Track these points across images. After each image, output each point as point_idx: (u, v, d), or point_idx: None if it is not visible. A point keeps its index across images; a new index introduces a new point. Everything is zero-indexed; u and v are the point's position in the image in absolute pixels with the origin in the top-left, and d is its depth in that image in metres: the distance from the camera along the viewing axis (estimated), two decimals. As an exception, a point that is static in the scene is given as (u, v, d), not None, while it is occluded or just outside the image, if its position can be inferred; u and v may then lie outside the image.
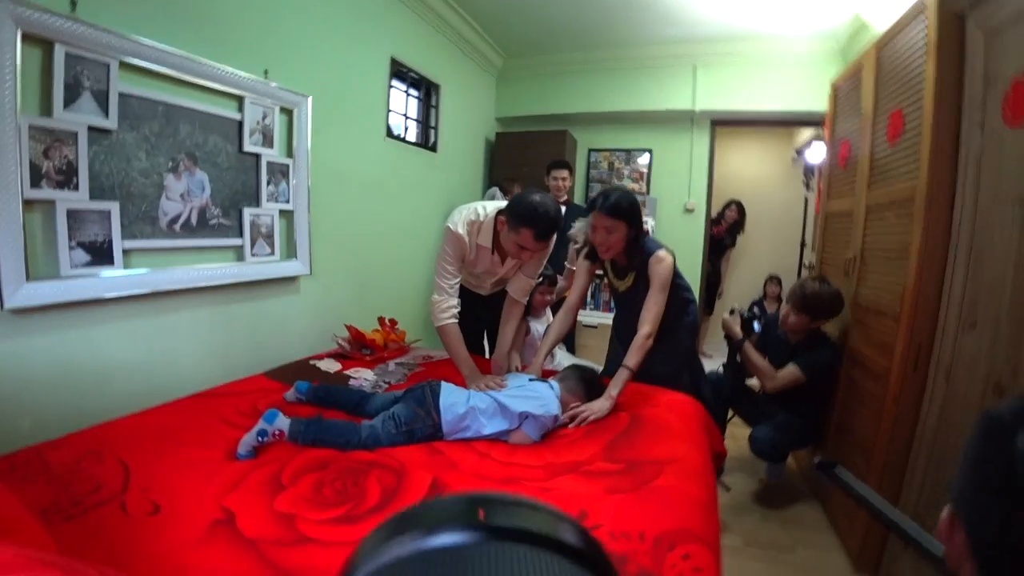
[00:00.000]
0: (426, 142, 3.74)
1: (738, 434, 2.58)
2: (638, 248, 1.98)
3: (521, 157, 4.20)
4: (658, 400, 1.84)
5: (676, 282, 2.05)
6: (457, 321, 2.00)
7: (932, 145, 1.71)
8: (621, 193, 1.93)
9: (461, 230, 1.98)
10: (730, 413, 2.56)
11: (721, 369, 2.56)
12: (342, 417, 1.70)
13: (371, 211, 3.02)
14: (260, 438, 1.48)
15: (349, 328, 2.36)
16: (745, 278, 5.67)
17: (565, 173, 3.58)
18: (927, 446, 1.70)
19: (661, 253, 1.97)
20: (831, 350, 2.26)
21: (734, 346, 2.40)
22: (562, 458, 1.49)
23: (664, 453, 1.48)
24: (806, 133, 4.99)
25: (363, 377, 2.01)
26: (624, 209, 1.89)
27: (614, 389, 1.82)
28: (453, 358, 2.01)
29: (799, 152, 5.03)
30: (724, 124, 4.39)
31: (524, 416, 1.65)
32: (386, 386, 1.95)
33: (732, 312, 2.45)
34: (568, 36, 4.05)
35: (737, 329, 2.39)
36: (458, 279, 2.03)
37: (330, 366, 2.15)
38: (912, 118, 1.85)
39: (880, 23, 2.97)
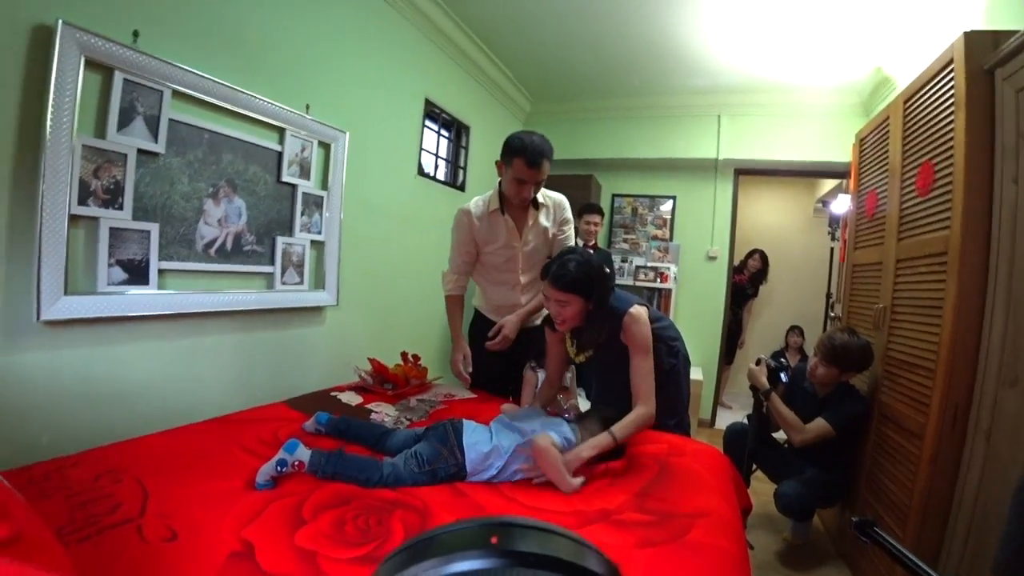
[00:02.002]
0: (455, 181, 3.81)
1: (760, 489, 2.49)
2: (601, 318, 1.73)
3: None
4: (684, 449, 1.78)
5: (655, 330, 1.80)
6: (458, 295, 2.20)
7: (965, 198, 1.70)
8: (578, 261, 1.66)
9: (468, 207, 2.11)
10: (753, 467, 2.48)
11: (745, 420, 2.50)
12: (362, 451, 1.66)
13: (399, 246, 3.07)
14: (280, 468, 1.44)
15: (372, 361, 2.35)
16: (767, 328, 5.61)
17: (597, 218, 3.63)
18: (967, 511, 1.62)
19: (634, 311, 1.72)
20: (861, 403, 2.20)
21: (760, 397, 2.35)
22: (592, 505, 1.43)
23: (695, 506, 1.42)
24: (828, 184, 5.01)
25: (384, 412, 1.98)
26: (578, 282, 1.63)
27: (587, 451, 1.57)
28: (451, 330, 2.23)
29: (824, 203, 5.04)
30: (747, 173, 4.43)
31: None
32: (408, 423, 1.92)
33: (759, 362, 2.40)
34: (595, 83, 4.17)
35: (764, 379, 2.33)
36: (468, 262, 2.16)
37: (351, 399, 2.13)
38: (943, 170, 1.85)
39: (902, 76, 3.03)
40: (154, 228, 1.82)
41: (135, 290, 1.77)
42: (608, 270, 3.64)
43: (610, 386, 1.85)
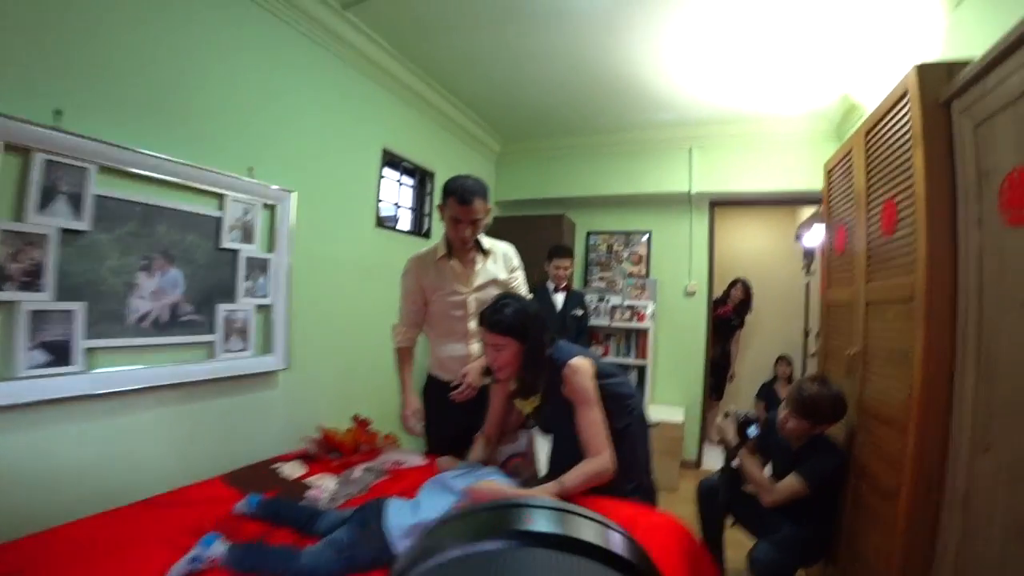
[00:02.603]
0: (420, 230, 3.74)
1: (741, 540, 2.33)
2: (540, 365, 1.72)
3: (519, 241, 4.13)
4: (637, 523, 1.63)
5: (601, 384, 1.73)
6: (408, 347, 2.19)
7: (928, 241, 1.61)
8: (513, 306, 1.69)
9: (416, 255, 2.18)
10: (730, 520, 2.34)
11: (718, 475, 2.36)
12: (290, 536, 1.58)
13: (358, 302, 2.98)
14: (194, 564, 1.36)
15: (319, 429, 2.25)
16: (756, 359, 5.46)
17: (567, 262, 3.56)
18: (947, 582, 1.49)
19: (574, 362, 1.68)
20: (836, 457, 2.07)
21: (729, 453, 2.22)
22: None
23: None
24: (808, 210, 4.93)
25: (323, 486, 1.87)
26: (513, 326, 1.65)
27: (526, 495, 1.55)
28: (400, 382, 2.19)
29: (798, 236, 4.95)
30: (722, 204, 4.36)
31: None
32: (344, 499, 1.81)
33: (727, 415, 2.28)
34: (564, 121, 4.13)
35: (731, 435, 2.20)
36: (417, 312, 2.16)
37: (293, 470, 2.03)
38: (905, 209, 1.76)
39: (868, 102, 2.97)
40: (79, 307, 1.75)
41: (59, 371, 1.69)
42: (581, 311, 3.58)
43: (564, 453, 1.74)
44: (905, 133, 1.76)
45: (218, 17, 2.15)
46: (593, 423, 1.65)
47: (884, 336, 1.90)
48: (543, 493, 1.55)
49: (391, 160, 3.33)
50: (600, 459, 1.62)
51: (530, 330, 1.68)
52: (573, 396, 1.67)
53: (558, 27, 2.73)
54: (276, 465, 2.10)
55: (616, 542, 0.28)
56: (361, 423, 2.33)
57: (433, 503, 1.58)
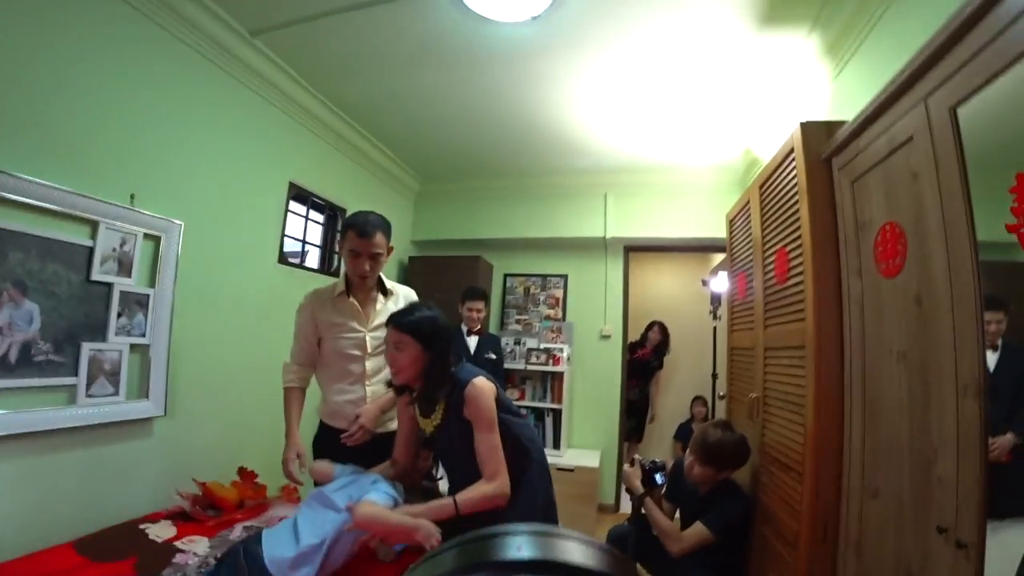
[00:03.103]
0: (328, 267, 3.58)
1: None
2: (440, 377, 1.67)
3: (435, 281, 4.09)
4: None
5: (503, 417, 1.68)
6: (298, 387, 2.05)
7: (816, 291, 1.68)
8: (424, 312, 1.68)
9: (312, 291, 2.10)
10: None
11: (628, 523, 2.32)
12: None
13: (253, 343, 2.75)
14: None
15: (197, 483, 2.02)
16: (675, 398, 5.58)
17: (480, 304, 3.50)
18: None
19: (478, 381, 1.64)
20: (742, 503, 2.08)
21: (636, 502, 2.18)
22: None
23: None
24: (719, 256, 5.18)
25: (193, 551, 1.66)
26: (418, 327, 1.63)
27: (424, 509, 1.52)
28: (286, 424, 2.00)
29: (704, 282, 5.16)
30: (637, 250, 4.48)
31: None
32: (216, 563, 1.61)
33: (632, 463, 2.25)
34: (483, 163, 4.14)
35: (637, 483, 2.17)
36: (309, 352, 2.05)
37: (162, 531, 1.79)
38: (795, 258, 1.84)
39: (767, 157, 3.16)
40: (-102, 344, 1.48)
41: None
42: (494, 356, 3.51)
43: (462, 481, 1.65)
44: (793, 186, 1.86)
45: (101, 31, 1.97)
46: (491, 446, 1.60)
47: (781, 381, 1.95)
48: (442, 506, 1.55)
49: (299, 194, 3.19)
50: (496, 483, 1.57)
51: (436, 338, 1.65)
52: (473, 417, 1.62)
53: (476, 72, 2.75)
54: (145, 525, 1.87)
55: (602, 559, 0.29)
56: (247, 475, 2.12)
57: (315, 525, 1.49)
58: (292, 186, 3.09)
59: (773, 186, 2.07)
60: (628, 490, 2.20)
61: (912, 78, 1.28)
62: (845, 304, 1.62)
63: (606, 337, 4.35)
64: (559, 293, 4.51)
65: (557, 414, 4.00)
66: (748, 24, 2.25)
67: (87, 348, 1.94)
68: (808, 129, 1.78)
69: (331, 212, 3.61)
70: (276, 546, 1.44)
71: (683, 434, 5.18)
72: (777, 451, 1.93)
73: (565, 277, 4.52)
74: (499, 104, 3.10)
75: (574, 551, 0.28)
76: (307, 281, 3.14)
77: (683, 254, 5.50)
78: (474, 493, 1.56)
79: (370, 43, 2.54)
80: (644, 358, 4.99)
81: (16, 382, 1.76)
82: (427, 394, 1.70)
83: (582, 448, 4.26)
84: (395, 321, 1.66)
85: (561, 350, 4.08)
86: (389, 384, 1.81)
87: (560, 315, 4.48)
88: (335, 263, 3.63)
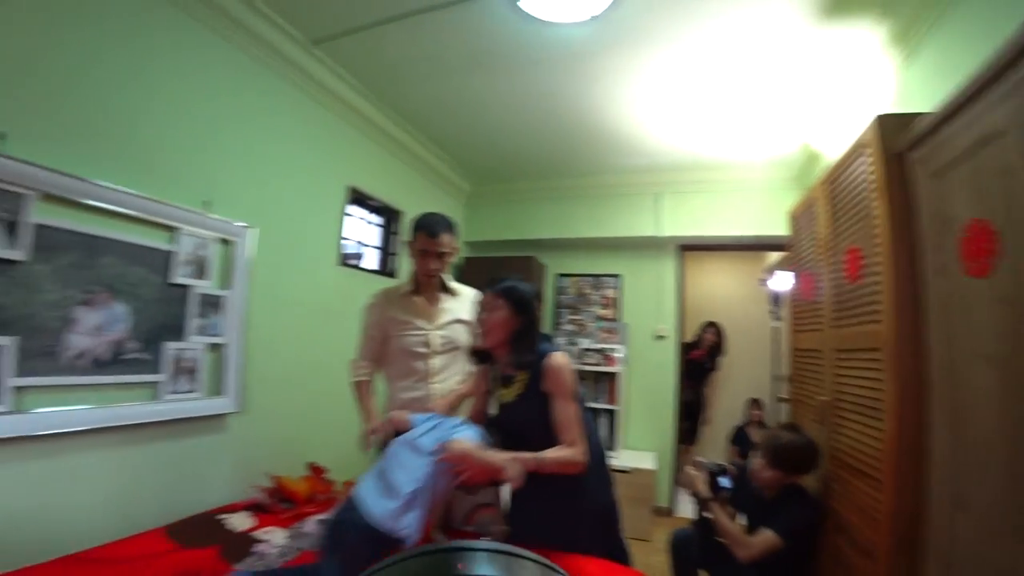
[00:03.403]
0: (385, 269, 3.66)
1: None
2: (527, 344, 1.70)
3: (487, 283, 4.12)
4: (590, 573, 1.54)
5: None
6: (368, 380, 2.07)
7: (894, 291, 1.60)
8: (518, 283, 1.74)
9: (380, 290, 2.16)
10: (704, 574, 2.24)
11: (690, 526, 2.28)
12: None
13: (317, 342, 2.85)
14: None
15: (271, 477, 2.11)
16: (729, 403, 5.44)
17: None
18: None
19: (559, 354, 1.67)
20: (811, 509, 2.01)
21: (701, 506, 2.14)
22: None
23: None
24: (776, 254, 5.02)
25: (272, 541, 1.74)
26: (511, 291, 1.70)
27: (504, 455, 1.52)
28: (361, 413, 2.04)
29: (763, 281, 5.01)
30: (691, 249, 4.40)
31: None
32: (295, 554, 1.68)
33: (696, 465, 2.21)
34: (535, 165, 4.15)
35: (701, 487, 2.13)
36: (376, 350, 2.09)
37: (241, 522, 1.88)
38: (870, 257, 1.77)
39: (829, 151, 3.05)
40: (9, 342, 1.61)
41: (-17, 413, 1.55)
42: None
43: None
44: (866, 182, 1.78)
45: (181, 49, 2.09)
46: (571, 415, 1.62)
47: (854, 385, 1.87)
48: (519, 461, 1.52)
49: (357, 198, 3.28)
50: (576, 450, 1.58)
51: (526, 305, 1.71)
52: (554, 388, 1.63)
53: (531, 74, 2.76)
54: (223, 516, 1.97)
55: None
56: (317, 471, 2.20)
57: (409, 471, 1.49)
58: (350, 190, 3.17)
59: (843, 182, 2.00)
60: (693, 494, 2.16)
61: (1004, 66, 1.21)
62: (926, 305, 1.55)
63: (661, 337, 4.29)
64: (612, 293, 4.48)
65: (612, 415, 3.97)
66: (810, 17, 2.18)
67: (169, 347, 2.06)
68: (884, 122, 1.70)
69: (387, 214, 3.69)
70: (377, 502, 1.45)
71: (738, 437, 5.04)
72: (850, 456, 1.86)
73: (618, 277, 4.49)
74: (553, 105, 3.10)
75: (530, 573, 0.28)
76: (365, 282, 3.25)
77: (737, 252, 5.38)
78: (556, 454, 1.56)
79: (426, 49, 2.59)
80: (698, 359, 4.90)
81: (109, 378, 1.89)
82: (514, 358, 1.71)
83: (637, 449, 4.22)
84: (491, 286, 1.74)
85: (615, 350, 4.06)
86: (472, 354, 1.87)
87: (613, 315, 4.44)
88: (391, 265, 3.71)
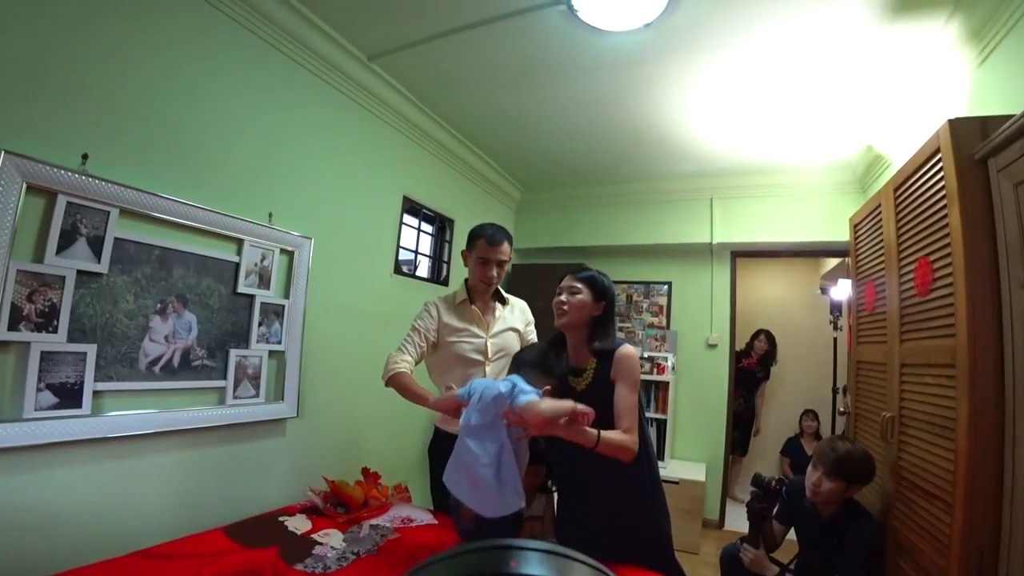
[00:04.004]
0: (438, 277, 3.72)
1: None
2: (603, 333, 1.75)
3: (538, 289, 4.13)
4: None
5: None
6: (409, 371, 1.96)
7: (969, 304, 1.52)
8: (599, 275, 1.80)
9: (435, 302, 2.13)
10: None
11: (739, 542, 2.21)
12: None
13: (372, 349, 2.88)
14: None
15: (327, 481, 2.17)
16: (781, 412, 5.28)
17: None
18: None
19: (628, 346, 1.73)
20: (874, 527, 1.92)
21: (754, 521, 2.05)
22: None
23: None
24: (832, 261, 4.84)
25: (330, 544, 1.79)
26: (595, 279, 1.77)
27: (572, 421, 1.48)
28: (413, 398, 1.90)
29: (823, 289, 4.83)
30: (744, 255, 4.29)
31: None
32: (353, 557, 1.72)
33: (756, 487, 2.13)
34: (585, 172, 4.14)
35: (767, 565, 2.02)
36: (419, 346, 2.04)
37: (299, 524, 1.94)
38: (942, 268, 1.68)
39: (895, 154, 2.92)
40: (91, 349, 1.73)
41: (66, 414, 1.66)
42: None
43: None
44: (939, 190, 1.70)
45: (241, 64, 2.19)
46: (631, 404, 1.65)
47: (922, 401, 1.79)
48: (585, 430, 1.50)
49: (411, 207, 3.35)
50: (631, 438, 1.60)
51: (605, 293, 1.77)
52: (620, 375, 1.67)
53: (581, 81, 2.76)
54: (282, 518, 2.02)
55: None
56: (372, 476, 2.25)
57: (486, 448, 1.45)
58: (405, 199, 3.25)
59: (912, 189, 1.91)
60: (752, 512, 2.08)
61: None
62: (1006, 320, 1.46)
63: (712, 346, 4.20)
64: (663, 301, 4.42)
65: (661, 424, 3.91)
66: (874, 17, 2.09)
67: (233, 354, 2.15)
68: (958, 126, 1.61)
69: (440, 223, 3.75)
70: (473, 498, 1.45)
71: (790, 449, 4.88)
72: (917, 476, 1.77)
73: (669, 284, 4.42)
74: (604, 113, 3.10)
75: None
76: (419, 290, 3.31)
77: (791, 260, 5.21)
78: (614, 435, 1.56)
79: (479, 60, 2.63)
80: (749, 368, 4.76)
81: (179, 384, 1.99)
82: (592, 344, 1.74)
83: (687, 460, 4.15)
84: (574, 274, 1.80)
85: (666, 359, 3.99)
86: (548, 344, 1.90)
87: (664, 323, 4.38)
88: (444, 272, 3.77)
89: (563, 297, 1.77)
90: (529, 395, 1.44)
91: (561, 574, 0.27)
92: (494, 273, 2.08)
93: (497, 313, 2.18)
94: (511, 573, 0.26)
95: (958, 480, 1.50)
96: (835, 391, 4.66)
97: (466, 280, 2.17)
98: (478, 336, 2.10)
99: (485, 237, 2.05)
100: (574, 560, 0.29)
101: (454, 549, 0.29)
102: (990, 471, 1.44)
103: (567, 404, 1.44)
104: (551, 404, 1.44)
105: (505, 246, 2.07)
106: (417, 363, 2.05)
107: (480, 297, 2.15)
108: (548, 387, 1.53)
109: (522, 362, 1.67)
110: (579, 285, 1.75)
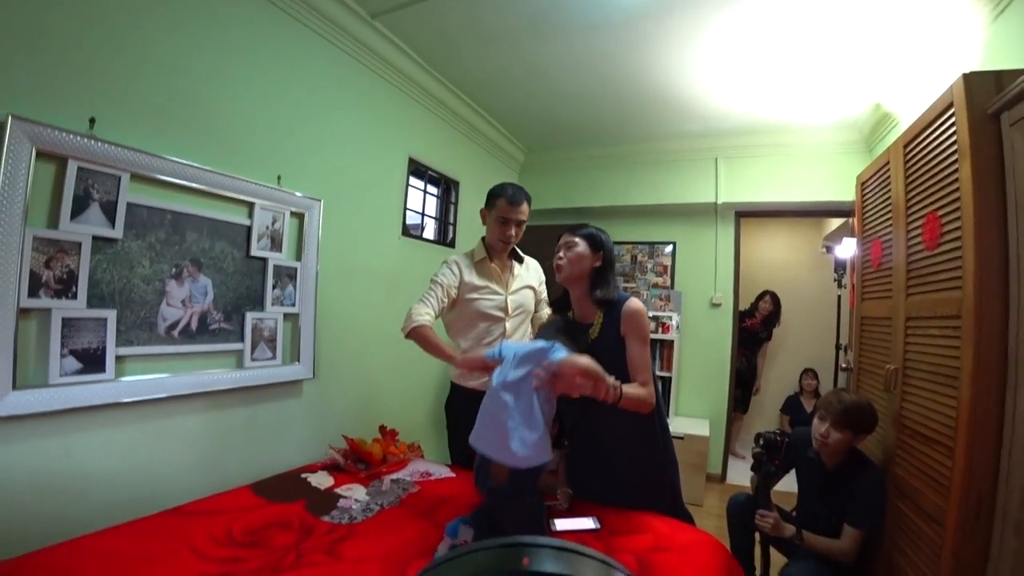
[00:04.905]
0: (444, 239, 3.73)
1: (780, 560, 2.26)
2: (604, 282, 1.78)
3: (543, 250, 4.14)
4: (672, 542, 1.59)
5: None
6: (430, 323, 1.97)
7: (977, 257, 1.55)
8: (597, 230, 1.85)
9: (456, 259, 2.16)
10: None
11: (746, 496, 2.28)
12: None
13: (383, 311, 2.95)
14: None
15: (346, 439, 2.24)
16: (782, 371, 5.38)
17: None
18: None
19: (637, 301, 1.76)
20: (879, 477, 1.99)
21: (788, 541, 2.06)
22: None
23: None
24: (835, 222, 4.85)
25: (355, 497, 1.86)
26: (591, 232, 1.82)
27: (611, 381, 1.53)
28: (434, 351, 1.93)
29: (828, 248, 4.85)
30: (749, 215, 4.30)
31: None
32: (378, 508, 1.79)
33: (757, 445, 2.18)
34: (589, 132, 4.11)
35: (784, 525, 2.04)
36: (440, 300, 2.05)
37: (322, 480, 2.01)
38: (950, 223, 1.71)
39: (903, 113, 2.90)
40: (111, 314, 1.75)
41: (90, 379, 1.70)
42: None
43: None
44: (951, 145, 1.71)
45: (247, 26, 2.15)
46: (645, 358, 1.70)
47: (927, 352, 1.84)
48: (609, 381, 1.53)
49: (416, 169, 3.33)
50: (648, 391, 1.66)
51: (602, 245, 1.81)
52: (630, 331, 1.71)
53: (588, 39, 2.72)
54: (304, 475, 2.09)
55: None
56: (389, 433, 2.31)
57: (518, 409, 1.48)
58: (411, 161, 3.23)
59: (922, 145, 1.91)
60: (775, 536, 2.11)
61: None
62: (1012, 272, 1.49)
63: (716, 305, 4.25)
64: (667, 261, 4.44)
65: (666, 382, 3.99)
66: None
67: (250, 317, 2.18)
68: (972, 81, 1.60)
69: (445, 185, 3.74)
70: (498, 449, 1.47)
71: (790, 407, 4.99)
72: (920, 424, 1.83)
73: (673, 244, 4.43)
74: (609, 70, 3.06)
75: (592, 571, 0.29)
76: (427, 252, 3.34)
77: (794, 220, 5.22)
78: (633, 390, 1.61)
79: (484, 18, 2.58)
80: (753, 328, 4.82)
81: (197, 347, 2.02)
82: (593, 295, 1.78)
83: (691, 416, 4.25)
84: (572, 228, 1.84)
85: (670, 318, 4.05)
86: (551, 304, 2.01)
87: (668, 283, 4.41)
88: (450, 235, 3.78)
89: (561, 253, 1.81)
90: (563, 352, 1.50)
91: (573, 570, 0.27)
92: (513, 232, 2.11)
93: (515, 271, 2.24)
94: (524, 570, 0.27)
95: (960, 426, 1.55)
96: (838, 347, 4.73)
97: (483, 239, 2.21)
98: (498, 293, 2.15)
99: (506, 197, 2.07)
100: (585, 556, 0.29)
101: (466, 547, 0.31)
102: (992, 417, 1.49)
103: (600, 373, 1.49)
104: (588, 359, 1.49)
105: (524, 206, 2.11)
106: (437, 317, 2.06)
107: (498, 256, 2.19)
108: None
109: (553, 328, 1.71)
110: (575, 239, 1.80)
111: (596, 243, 1.80)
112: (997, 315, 1.51)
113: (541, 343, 1.55)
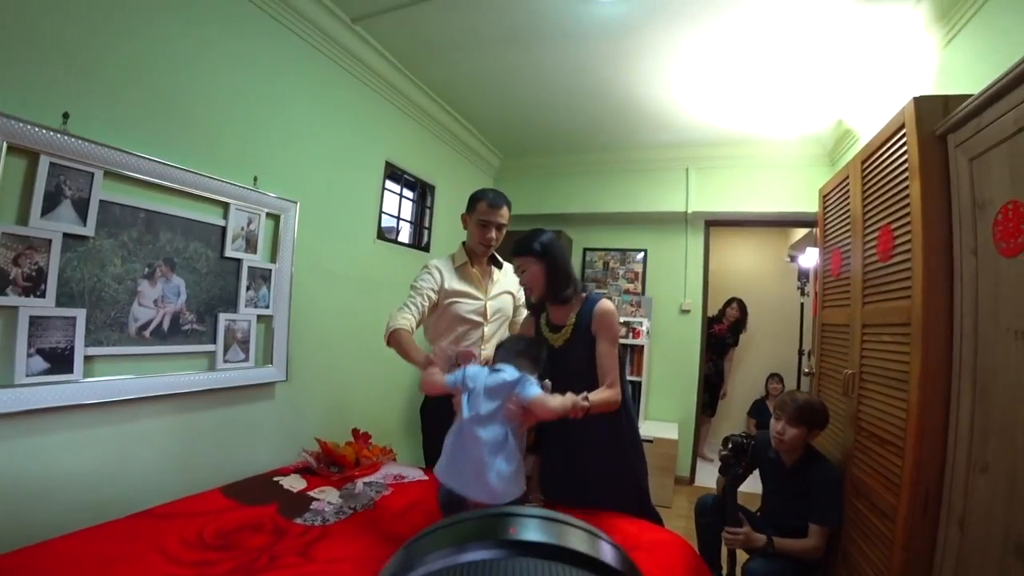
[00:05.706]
0: (419, 242, 3.75)
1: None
2: (562, 280, 1.80)
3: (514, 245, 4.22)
4: (640, 540, 1.65)
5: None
6: (411, 330, 1.97)
7: (925, 268, 1.65)
8: (537, 234, 1.83)
9: (437, 264, 2.17)
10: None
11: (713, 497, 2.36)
12: None
13: (357, 314, 2.96)
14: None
15: (319, 442, 2.23)
16: (747, 375, 5.53)
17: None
18: (946, 601, 1.52)
19: (608, 302, 1.80)
20: (834, 471, 2.11)
21: (760, 549, 2.09)
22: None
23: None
24: (800, 232, 5.02)
25: (327, 500, 1.86)
26: (528, 244, 1.81)
27: (556, 400, 1.51)
28: (409, 357, 1.88)
29: (792, 257, 5.02)
30: (718, 224, 4.42)
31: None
32: (351, 511, 1.80)
33: (725, 448, 2.26)
34: (563, 139, 4.18)
35: (756, 536, 2.08)
36: (421, 307, 2.04)
37: (294, 483, 2.01)
38: (902, 236, 1.81)
39: (863, 129, 3.04)
40: (80, 314, 1.73)
41: (58, 379, 1.67)
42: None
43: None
44: (902, 163, 1.81)
45: (225, 25, 2.15)
46: (614, 359, 1.73)
47: (880, 358, 1.94)
48: (577, 400, 1.55)
49: (393, 173, 3.35)
50: (615, 391, 1.70)
51: (547, 248, 1.81)
52: (600, 330, 1.75)
53: (564, 48, 2.78)
54: (277, 478, 2.09)
55: (606, 552, 0.28)
56: (362, 436, 2.32)
57: (488, 444, 1.47)
58: (387, 164, 3.25)
59: (878, 162, 2.02)
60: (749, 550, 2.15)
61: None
62: (957, 282, 1.59)
63: (685, 312, 4.36)
64: (638, 268, 4.54)
65: (636, 386, 4.07)
66: (852, -5, 2.17)
67: (223, 318, 2.17)
68: (922, 104, 1.71)
69: (421, 189, 3.76)
70: (472, 487, 1.46)
71: (757, 410, 5.14)
72: (874, 425, 1.93)
73: (645, 251, 4.54)
74: (584, 80, 3.13)
75: (578, 540, 0.28)
76: (401, 256, 3.35)
77: (761, 230, 5.38)
78: (601, 395, 1.65)
79: (463, 26, 2.63)
80: (720, 334, 4.95)
81: (168, 348, 2.00)
82: (555, 295, 1.81)
83: (660, 420, 4.34)
84: (514, 250, 1.85)
85: (641, 324, 4.13)
86: (529, 305, 1.97)
87: (639, 289, 4.51)
88: (425, 239, 3.80)
89: (521, 278, 1.87)
90: (535, 388, 1.51)
91: (559, 539, 0.27)
92: (493, 235, 2.14)
93: (494, 276, 2.26)
94: (511, 539, 0.27)
95: (909, 427, 1.64)
96: (800, 353, 4.89)
97: (463, 243, 2.23)
98: (478, 298, 2.17)
99: (486, 200, 2.11)
100: (570, 525, 0.29)
101: (453, 518, 0.31)
102: (938, 419, 1.59)
103: (569, 399, 1.52)
104: (560, 401, 1.51)
105: (504, 210, 2.14)
106: (418, 324, 2.07)
107: (478, 260, 2.22)
108: (548, 381, 1.62)
109: (512, 351, 1.68)
110: (522, 260, 1.83)
111: (538, 253, 1.80)
112: (942, 322, 1.61)
113: (509, 374, 1.53)
